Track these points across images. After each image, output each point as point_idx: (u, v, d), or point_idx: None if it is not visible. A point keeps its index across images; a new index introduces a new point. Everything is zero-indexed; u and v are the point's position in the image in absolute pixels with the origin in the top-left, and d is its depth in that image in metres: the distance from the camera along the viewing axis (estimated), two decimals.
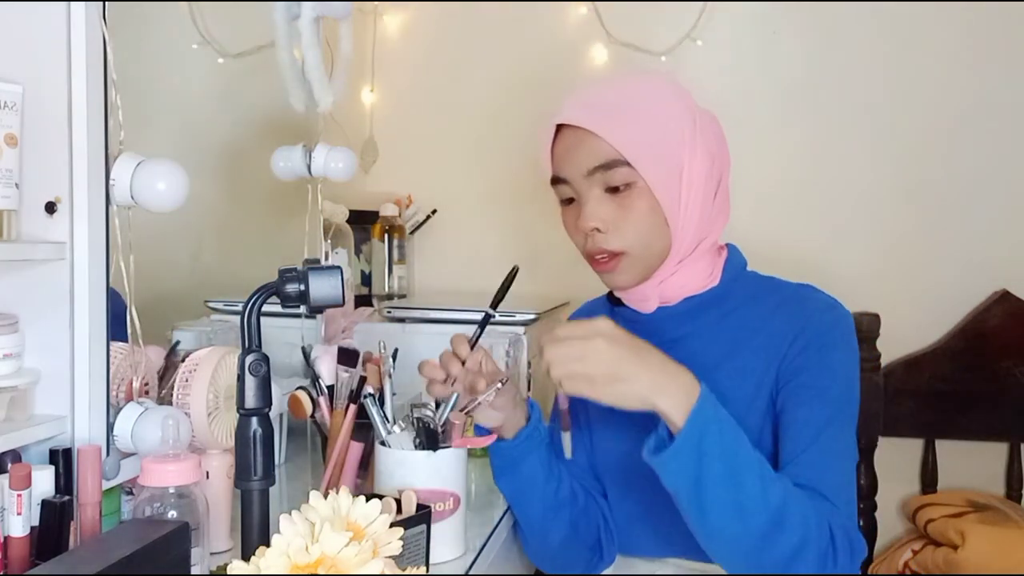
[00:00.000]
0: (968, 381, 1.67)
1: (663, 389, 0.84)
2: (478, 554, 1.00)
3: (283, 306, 0.80)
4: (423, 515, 0.89)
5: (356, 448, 1.10)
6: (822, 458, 0.94)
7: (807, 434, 0.95)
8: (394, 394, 1.05)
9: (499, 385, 0.98)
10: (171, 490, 0.80)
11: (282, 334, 1.32)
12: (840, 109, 1.76)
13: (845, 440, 0.97)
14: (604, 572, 1.13)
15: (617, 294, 1.08)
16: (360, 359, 1.20)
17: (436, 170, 1.94)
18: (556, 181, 1.05)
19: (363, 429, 1.10)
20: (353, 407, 1.13)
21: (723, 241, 1.10)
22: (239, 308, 0.79)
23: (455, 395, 1.00)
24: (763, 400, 1.00)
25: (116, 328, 0.91)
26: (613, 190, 1.00)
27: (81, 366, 0.86)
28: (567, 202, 1.06)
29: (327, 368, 1.20)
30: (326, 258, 1.44)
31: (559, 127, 1.03)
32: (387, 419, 1.00)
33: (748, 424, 0.94)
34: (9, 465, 0.78)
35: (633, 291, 1.05)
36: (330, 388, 1.19)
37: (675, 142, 0.99)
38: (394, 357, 1.08)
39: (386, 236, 1.81)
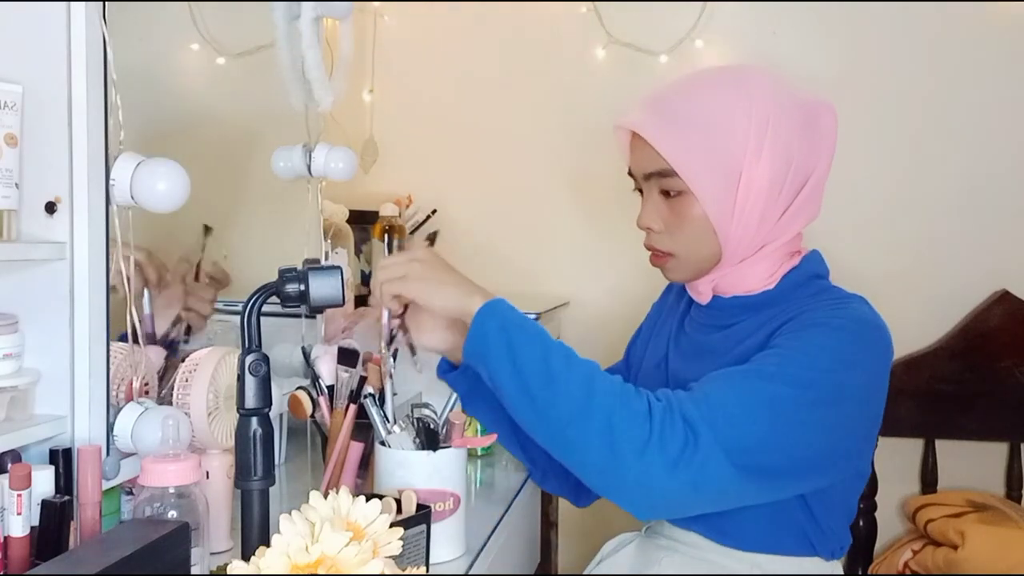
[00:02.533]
0: (968, 381, 1.67)
1: (473, 292, 0.94)
2: (478, 554, 1.00)
3: (283, 306, 0.80)
4: (423, 515, 0.89)
5: (356, 448, 1.10)
6: (721, 375, 0.90)
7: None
8: (394, 394, 1.05)
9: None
10: (171, 490, 0.80)
11: (282, 334, 1.32)
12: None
13: (768, 385, 0.88)
14: (598, 572, 1.12)
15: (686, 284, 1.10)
16: (360, 359, 1.20)
17: (436, 170, 1.94)
18: (631, 173, 1.07)
19: (363, 429, 1.10)
20: (353, 407, 1.13)
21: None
22: (239, 308, 0.79)
23: (454, 397, 1.01)
24: None
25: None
26: (666, 194, 1.01)
27: (81, 366, 0.86)
28: (640, 191, 1.07)
29: (327, 368, 1.20)
30: (326, 258, 1.44)
31: None
32: (387, 419, 1.00)
33: None
34: (9, 465, 0.78)
35: (690, 284, 1.07)
36: (330, 388, 1.19)
37: (733, 150, 0.97)
38: (395, 357, 1.08)
39: (386, 236, 1.81)
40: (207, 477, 0.94)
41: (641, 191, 1.06)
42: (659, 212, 1.02)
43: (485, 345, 0.90)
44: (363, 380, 1.13)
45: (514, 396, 0.88)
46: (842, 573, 1.05)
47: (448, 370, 1.07)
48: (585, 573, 1.14)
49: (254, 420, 0.79)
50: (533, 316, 1.52)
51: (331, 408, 1.18)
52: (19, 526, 0.76)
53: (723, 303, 1.05)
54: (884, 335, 0.97)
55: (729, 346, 1.01)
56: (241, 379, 0.78)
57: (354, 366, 1.18)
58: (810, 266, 1.05)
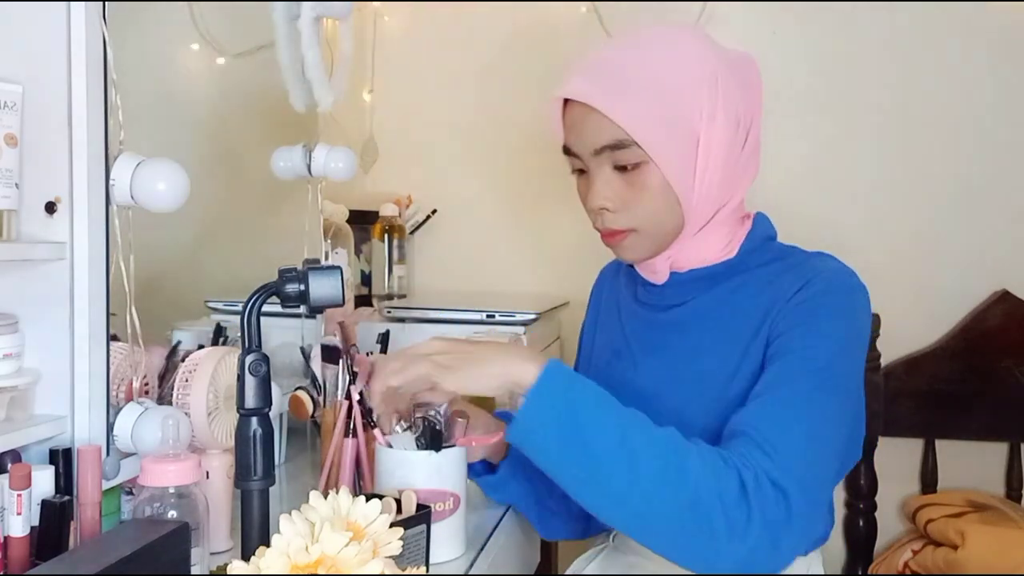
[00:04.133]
0: (968, 381, 1.67)
1: (519, 356, 0.85)
2: (478, 554, 1.00)
3: (283, 306, 0.80)
4: (423, 515, 0.89)
5: (351, 445, 1.09)
6: (770, 407, 0.86)
7: (768, 385, 0.88)
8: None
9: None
10: (171, 490, 0.80)
11: (282, 334, 1.32)
12: (840, 109, 1.76)
13: (818, 405, 0.86)
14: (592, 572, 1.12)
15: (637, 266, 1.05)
16: (345, 356, 1.19)
17: (436, 170, 1.94)
18: (567, 151, 1.00)
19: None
20: (345, 404, 1.12)
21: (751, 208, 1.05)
22: (239, 308, 0.79)
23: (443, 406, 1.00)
24: (753, 359, 0.93)
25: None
26: (622, 168, 0.95)
27: (81, 366, 0.86)
28: (579, 172, 1.01)
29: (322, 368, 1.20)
30: (326, 258, 1.44)
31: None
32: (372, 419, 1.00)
33: (732, 393, 0.93)
34: (9, 465, 0.78)
35: (644, 264, 1.02)
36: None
37: (689, 112, 0.92)
38: (385, 344, 1.08)
39: (386, 236, 1.81)
40: (207, 477, 0.94)
41: (581, 171, 1.00)
42: (614, 189, 0.96)
43: (546, 432, 0.81)
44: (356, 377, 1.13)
45: (588, 485, 0.81)
46: (820, 572, 1.02)
47: (483, 472, 1.07)
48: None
49: (254, 420, 0.79)
50: (532, 316, 1.52)
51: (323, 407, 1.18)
52: (19, 526, 0.76)
53: (680, 279, 1.01)
54: (865, 292, 0.97)
55: (695, 323, 0.98)
56: (241, 379, 0.78)
57: (336, 363, 1.17)
58: (762, 229, 1.03)
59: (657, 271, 1.01)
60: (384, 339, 1.23)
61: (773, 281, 0.96)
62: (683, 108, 0.92)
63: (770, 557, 0.80)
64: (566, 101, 0.98)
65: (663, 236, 0.98)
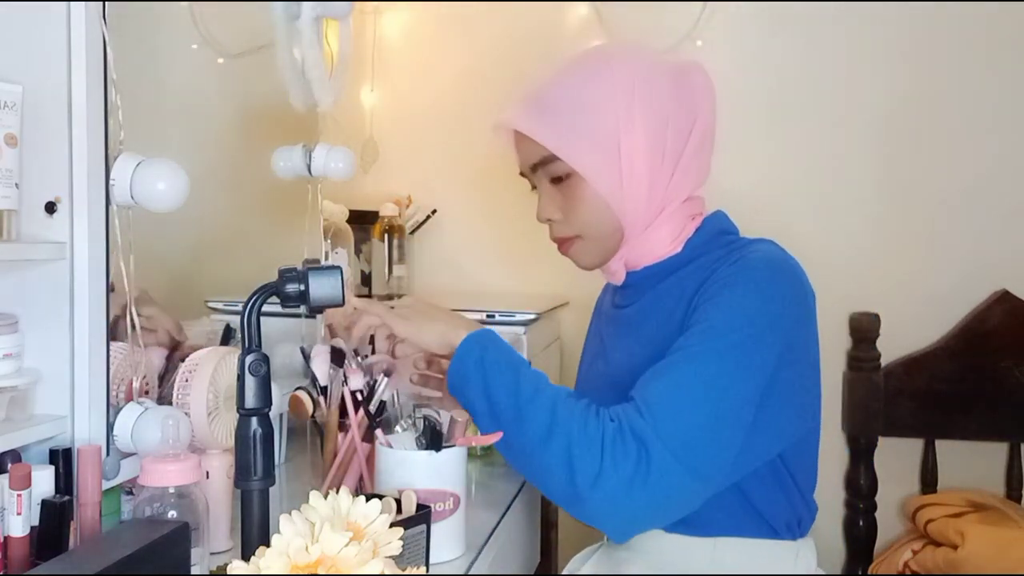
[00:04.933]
0: (968, 381, 1.67)
1: (459, 326, 0.98)
2: (478, 554, 1.00)
3: (283, 306, 0.80)
4: (423, 515, 0.89)
5: (364, 449, 1.09)
6: (658, 374, 0.90)
7: (662, 362, 0.92)
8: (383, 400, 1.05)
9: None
10: (171, 490, 0.80)
11: (282, 334, 1.32)
12: (840, 108, 1.76)
13: (696, 368, 0.88)
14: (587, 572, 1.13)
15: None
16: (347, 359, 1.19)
17: (436, 170, 1.94)
18: (522, 174, 1.10)
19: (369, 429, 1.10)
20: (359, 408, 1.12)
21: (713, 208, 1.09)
22: (239, 308, 0.79)
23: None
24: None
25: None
26: (557, 180, 1.03)
27: (81, 366, 0.86)
28: (533, 188, 1.10)
29: (322, 368, 1.20)
30: (326, 258, 1.44)
31: None
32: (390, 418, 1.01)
33: None
34: (9, 465, 0.78)
35: (604, 268, 1.09)
36: (325, 389, 1.19)
37: (605, 123, 0.99)
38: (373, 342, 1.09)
39: (386, 236, 1.81)
40: (207, 477, 0.94)
41: (534, 187, 1.08)
42: (554, 201, 1.05)
43: (464, 378, 0.94)
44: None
45: (488, 428, 0.93)
46: (813, 561, 1.03)
47: None
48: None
49: (254, 420, 0.79)
50: (532, 316, 1.52)
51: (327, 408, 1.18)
52: (19, 526, 0.76)
53: (636, 277, 1.07)
54: (795, 270, 0.98)
55: (647, 315, 1.04)
56: (241, 379, 0.78)
57: (342, 365, 1.17)
58: (714, 224, 1.07)
59: (614, 272, 1.08)
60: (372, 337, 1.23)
61: (709, 268, 1.00)
62: (599, 118, 0.99)
63: (624, 506, 0.85)
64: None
65: (606, 239, 1.05)
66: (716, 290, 0.95)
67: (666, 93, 1.01)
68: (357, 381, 1.13)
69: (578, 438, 0.86)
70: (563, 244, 1.08)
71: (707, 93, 1.05)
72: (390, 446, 0.97)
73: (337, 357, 1.17)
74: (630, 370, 0.98)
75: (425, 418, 0.98)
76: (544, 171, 1.04)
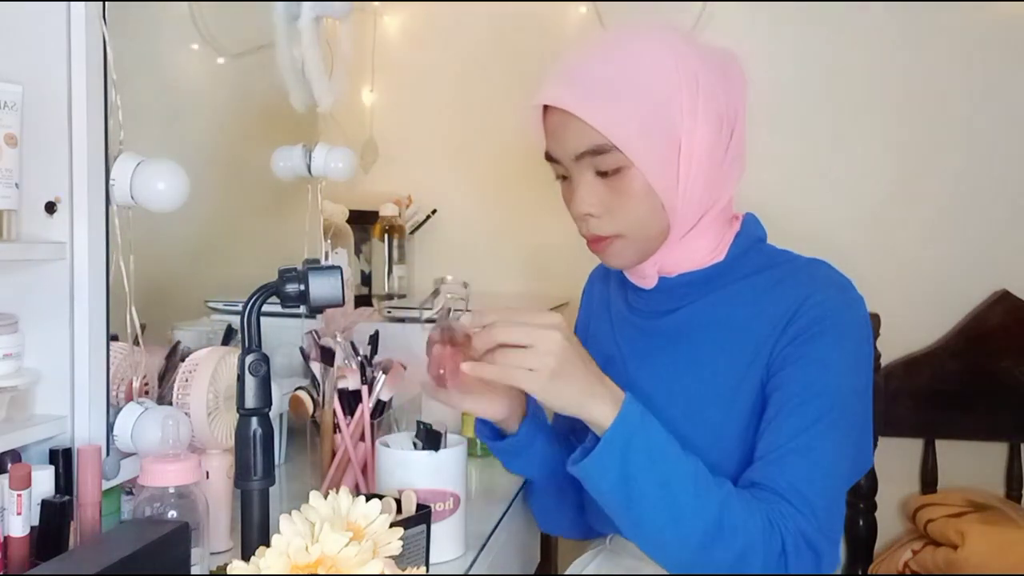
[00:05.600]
0: (968, 381, 1.67)
1: (596, 394, 0.84)
2: (478, 554, 1.00)
3: (283, 306, 0.80)
4: (423, 515, 0.89)
5: (362, 449, 1.10)
6: (794, 460, 0.87)
7: (785, 432, 0.88)
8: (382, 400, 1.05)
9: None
10: (171, 490, 0.80)
11: (282, 334, 1.32)
12: (840, 109, 1.76)
13: (832, 442, 0.88)
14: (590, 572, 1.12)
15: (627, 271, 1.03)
16: (338, 358, 1.19)
17: (436, 170, 1.94)
18: (549, 157, 0.98)
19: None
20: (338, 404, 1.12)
21: (739, 210, 1.04)
22: (239, 308, 0.79)
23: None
24: (752, 383, 0.93)
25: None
26: (604, 173, 0.93)
27: (81, 366, 0.86)
28: (563, 178, 0.99)
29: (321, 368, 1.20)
30: (326, 258, 1.44)
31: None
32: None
33: (736, 408, 0.93)
34: (9, 465, 0.78)
35: (632, 269, 1.01)
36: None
37: (671, 116, 0.90)
38: (374, 345, 1.08)
39: (386, 236, 1.81)
40: (207, 477, 0.93)
41: (564, 177, 0.98)
42: (596, 194, 0.94)
43: (603, 473, 0.83)
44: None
45: (635, 535, 0.87)
46: None
47: (493, 436, 1.05)
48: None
49: (254, 420, 0.79)
50: None
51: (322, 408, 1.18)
52: (19, 526, 0.76)
53: (670, 284, 0.99)
54: (864, 307, 0.96)
55: (695, 330, 0.97)
56: (241, 379, 0.78)
57: (332, 364, 1.17)
58: (751, 229, 1.02)
59: (646, 276, 1.00)
60: (374, 340, 1.23)
61: (767, 293, 0.95)
62: (662, 111, 0.90)
63: None
64: (546, 108, 0.96)
65: (649, 241, 0.96)
66: (805, 347, 0.90)
67: (721, 87, 0.94)
68: (354, 381, 1.14)
69: (760, 549, 0.83)
70: (599, 242, 0.97)
71: (744, 83, 0.99)
72: (387, 446, 0.97)
73: (327, 357, 1.17)
74: (666, 394, 0.97)
75: (421, 422, 0.97)
76: (592, 161, 0.92)
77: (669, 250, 0.97)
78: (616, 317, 1.08)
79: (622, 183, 0.92)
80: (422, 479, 0.94)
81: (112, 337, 0.92)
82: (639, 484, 0.82)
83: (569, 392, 0.83)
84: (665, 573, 0.98)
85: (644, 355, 1.02)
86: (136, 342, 0.95)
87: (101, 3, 0.86)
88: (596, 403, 0.83)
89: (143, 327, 0.95)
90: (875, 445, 1.71)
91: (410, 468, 0.95)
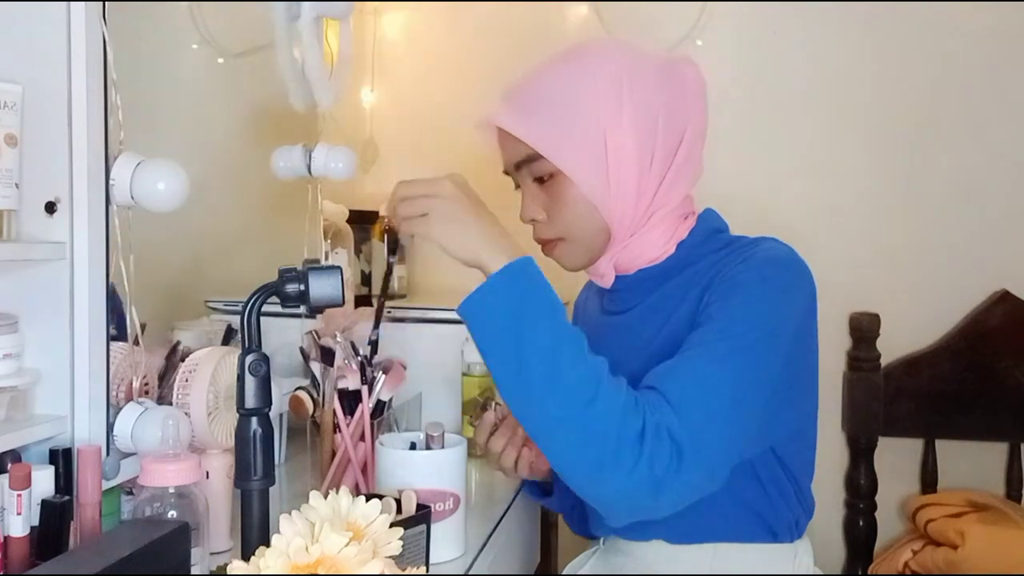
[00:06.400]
0: (968, 381, 1.67)
1: (493, 244, 0.88)
2: (478, 554, 1.00)
3: (283, 306, 0.80)
4: (423, 515, 0.89)
5: (362, 449, 1.10)
6: (681, 367, 0.87)
7: (683, 349, 0.89)
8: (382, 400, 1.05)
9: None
10: (171, 490, 0.80)
11: (282, 334, 1.32)
12: (840, 109, 1.76)
13: (726, 368, 0.86)
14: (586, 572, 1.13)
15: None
16: (336, 360, 1.19)
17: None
18: (506, 172, 1.07)
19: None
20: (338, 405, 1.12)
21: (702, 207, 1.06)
22: (239, 308, 0.79)
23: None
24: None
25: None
26: (541, 180, 1.00)
27: (81, 366, 0.86)
28: (517, 187, 1.06)
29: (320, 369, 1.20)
30: (326, 258, 1.44)
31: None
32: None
33: None
34: (9, 465, 0.78)
35: (590, 270, 1.06)
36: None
37: (591, 119, 0.95)
38: (374, 345, 1.08)
39: (386, 236, 1.81)
40: (207, 477, 0.94)
41: (518, 186, 1.05)
42: (538, 201, 1.02)
43: (490, 320, 0.85)
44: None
45: (509, 377, 0.84)
46: (810, 562, 1.03)
47: (541, 495, 1.12)
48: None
49: (254, 420, 0.79)
50: None
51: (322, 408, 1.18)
52: (19, 526, 0.76)
53: (628, 281, 1.03)
54: (801, 264, 0.96)
55: (646, 320, 1.00)
56: (241, 379, 0.78)
57: (332, 364, 1.17)
58: (707, 223, 1.03)
59: (603, 274, 1.04)
60: (374, 340, 1.23)
61: (708, 273, 0.97)
62: (584, 114, 0.95)
63: (647, 502, 0.83)
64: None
65: (591, 241, 1.01)
66: (728, 288, 0.92)
67: (656, 90, 0.96)
68: (354, 381, 1.13)
69: (618, 427, 0.81)
70: (546, 245, 1.04)
71: (699, 90, 1.02)
72: (387, 446, 0.97)
73: (327, 357, 1.17)
74: (632, 376, 0.96)
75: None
76: (528, 170, 1.00)
77: (620, 247, 1.01)
78: (592, 324, 1.11)
79: (557, 188, 0.99)
80: (422, 479, 0.94)
81: (113, 337, 0.92)
82: (530, 326, 0.83)
83: (464, 238, 0.88)
84: (662, 573, 0.99)
85: (609, 353, 1.02)
86: (136, 342, 0.95)
87: (101, 3, 0.86)
88: (490, 253, 0.87)
89: (143, 327, 0.95)
90: (875, 445, 1.72)
91: (410, 468, 0.95)
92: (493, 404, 1.06)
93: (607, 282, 1.04)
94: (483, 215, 0.91)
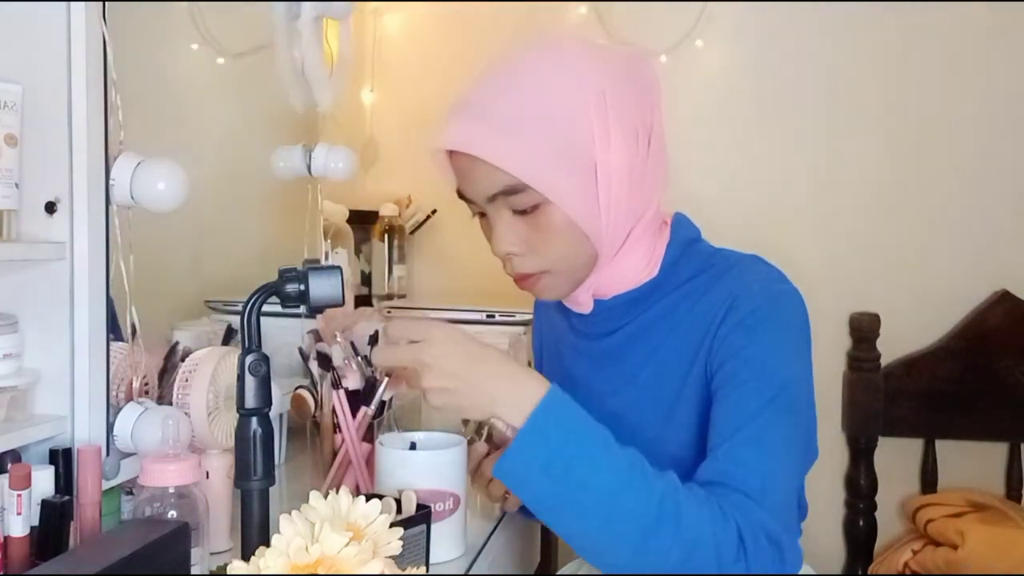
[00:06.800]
0: (968, 381, 1.67)
1: (507, 393, 0.79)
2: (478, 554, 1.00)
3: (283, 306, 0.80)
4: (423, 515, 0.89)
5: (364, 449, 1.09)
6: (743, 451, 0.81)
7: (733, 423, 0.83)
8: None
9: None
10: (171, 490, 0.80)
11: (282, 334, 1.32)
12: (840, 109, 1.76)
13: (782, 431, 0.83)
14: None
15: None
16: (335, 360, 1.18)
17: (436, 170, 1.94)
18: (462, 197, 0.94)
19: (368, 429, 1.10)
20: (365, 409, 1.11)
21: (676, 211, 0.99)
22: (239, 308, 0.79)
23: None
24: (692, 390, 0.90)
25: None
26: (522, 212, 0.88)
27: (81, 366, 0.86)
28: (481, 215, 0.95)
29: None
30: (326, 258, 1.44)
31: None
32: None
33: (681, 415, 0.90)
34: (9, 465, 0.78)
35: (567, 299, 0.97)
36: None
37: (582, 142, 0.85)
38: (375, 344, 1.07)
39: (386, 236, 1.81)
40: (207, 477, 0.93)
41: (482, 214, 0.93)
42: (516, 233, 0.89)
43: (529, 477, 0.77)
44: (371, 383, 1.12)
45: (573, 531, 0.78)
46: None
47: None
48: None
49: (254, 420, 0.79)
50: (532, 316, 1.52)
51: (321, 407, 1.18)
52: (19, 526, 0.76)
53: (606, 306, 0.95)
54: (799, 294, 0.92)
55: (635, 346, 0.94)
56: (241, 379, 0.78)
57: (329, 370, 1.16)
58: (682, 232, 0.97)
59: (581, 303, 0.96)
60: (374, 340, 1.23)
61: (702, 296, 0.91)
62: (572, 138, 0.84)
63: None
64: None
65: (577, 271, 0.92)
66: (742, 341, 0.86)
67: (632, 97, 0.88)
68: (354, 380, 1.13)
69: (714, 540, 0.75)
70: (526, 280, 0.92)
71: (658, 88, 0.92)
72: (387, 446, 0.96)
73: (324, 362, 1.16)
74: (624, 407, 0.94)
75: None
76: (506, 201, 0.87)
77: (600, 273, 0.93)
78: (563, 342, 1.05)
79: (541, 219, 0.87)
80: (422, 479, 0.94)
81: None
82: (567, 473, 0.75)
83: (471, 397, 0.80)
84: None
85: (586, 377, 0.99)
86: (136, 342, 0.95)
87: (101, 3, 0.86)
88: (510, 403, 0.79)
89: (133, 328, 0.95)
90: (875, 445, 1.71)
91: (410, 468, 0.94)
92: (485, 431, 1.00)
93: (586, 308, 0.96)
94: (485, 357, 0.81)
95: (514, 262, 0.91)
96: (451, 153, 0.91)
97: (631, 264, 0.93)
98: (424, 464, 0.95)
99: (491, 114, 0.86)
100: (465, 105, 0.90)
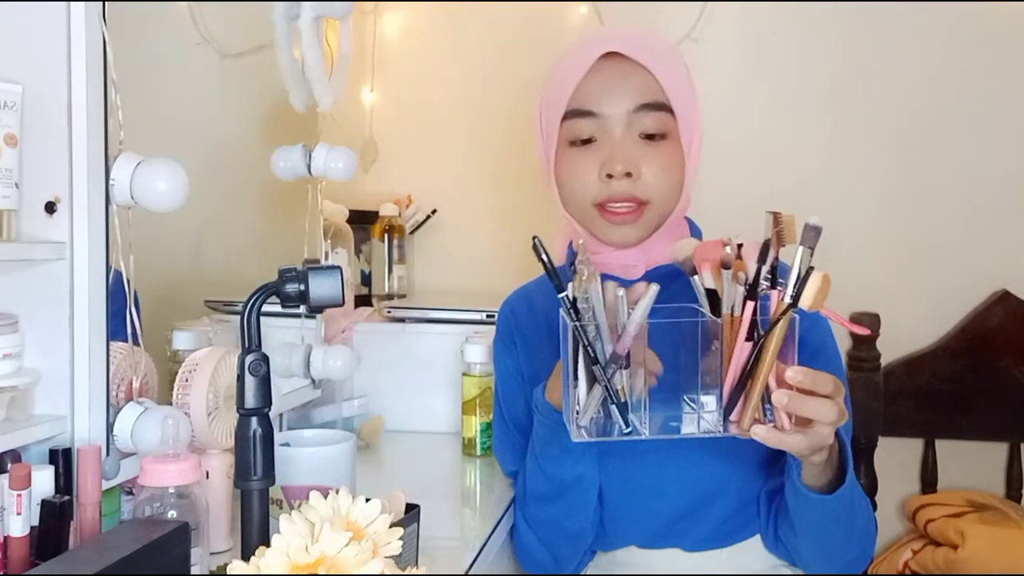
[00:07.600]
0: (968, 381, 1.67)
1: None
2: (478, 554, 1.00)
3: (283, 306, 0.80)
4: (414, 514, 0.89)
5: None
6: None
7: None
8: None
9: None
10: (171, 490, 0.80)
11: (282, 334, 1.32)
12: (840, 109, 1.76)
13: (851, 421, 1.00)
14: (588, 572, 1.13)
15: (601, 259, 1.00)
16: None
17: (436, 170, 1.94)
18: (579, 115, 0.98)
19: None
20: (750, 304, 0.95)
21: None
22: (239, 308, 0.79)
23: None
24: None
25: (117, 326, 0.91)
26: (648, 137, 0.97)
27: (81, 366, 0.86)
28: (583, 143, 0.98)
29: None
30: (326, 258, 1.44)
31: (601, 57, 0.97)
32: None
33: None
34: (9, 465, 0.78)
35: (624, 253, 1.00)
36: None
37: (695, 99, 1.01)
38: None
39: (386, 236, 1.81)
40: (207, 477, 0.94)
41: (586, 141, 0.97)
42: (640, 154, 0.96)
43: (845, 499, 0.99)
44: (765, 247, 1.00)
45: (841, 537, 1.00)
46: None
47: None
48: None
49: (254, 420, 0.79)
50: None
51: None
52: (19, 526, 0.76)
53: (649, 276, 0.99)
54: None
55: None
56: (241, 379, 0.78)
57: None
58: (695, 231, 1.08)
59: (636, 263, 1.00)
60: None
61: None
62: (693, 94, 1.01)
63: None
64: (594, 65, 0.96)
65: (663, 217, 1.00)
66: (814, 350, 1.00)
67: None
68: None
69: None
70: (629, 210, 0.97)
71: None
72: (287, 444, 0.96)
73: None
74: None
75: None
76: (643, 120, 0.96)
77: (654, 242, 1.00)
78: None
79: (663, 149, 0.97)
80: (305, 475, 0.93)
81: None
82: (856, 500, 0.96)
83: (826, 437, 0.89)
84: (655, 573, 1.00)
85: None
86: (136, 342, 0.95)
87: (101, 3, 0.86)
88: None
89: (134, 328, 0.95)
90: (875, 445, 1.71)
91: (295, 465, 0.94)
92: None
93: (636, 273, 0.99)
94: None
95: (624, 183, 0.96)
96: (590, 71, 0.96)
97: (671, 240, 0.97)
98: (309, 460, 0.94)
99: (651, 44, 0.99)
100: (623, 30, 1.02)
